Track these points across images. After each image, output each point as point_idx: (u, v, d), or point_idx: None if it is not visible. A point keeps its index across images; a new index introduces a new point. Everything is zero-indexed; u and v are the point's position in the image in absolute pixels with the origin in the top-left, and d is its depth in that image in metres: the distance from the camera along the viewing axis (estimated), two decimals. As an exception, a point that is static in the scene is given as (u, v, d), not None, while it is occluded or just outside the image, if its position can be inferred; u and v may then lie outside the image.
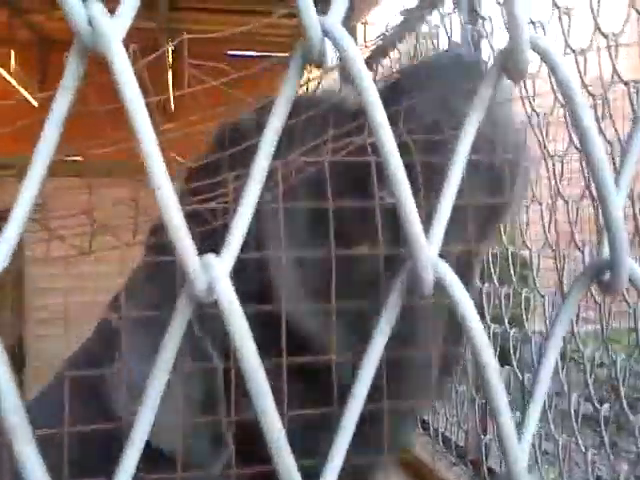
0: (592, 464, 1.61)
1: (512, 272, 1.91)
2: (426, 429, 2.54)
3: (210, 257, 0.29)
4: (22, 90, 5.05)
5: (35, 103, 5.20)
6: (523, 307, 1.94)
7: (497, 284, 1.99)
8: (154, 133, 0.30)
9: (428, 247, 0.31)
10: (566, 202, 1.62)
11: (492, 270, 1.99)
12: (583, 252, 1.57)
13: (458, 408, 2.37)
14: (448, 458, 2.40)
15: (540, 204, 1.73)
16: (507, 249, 1.90)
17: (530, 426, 0.35)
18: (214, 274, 0.29)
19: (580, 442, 1.66)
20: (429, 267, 0.30)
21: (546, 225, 1.69)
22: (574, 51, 1.51)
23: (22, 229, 0.31)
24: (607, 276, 0.34)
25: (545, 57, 0.32)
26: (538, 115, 1.70)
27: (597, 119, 1.48)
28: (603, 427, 1.61)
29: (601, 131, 1.40)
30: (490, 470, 2.12)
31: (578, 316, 1.73)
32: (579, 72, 1.52)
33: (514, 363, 1.93)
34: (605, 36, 1.47)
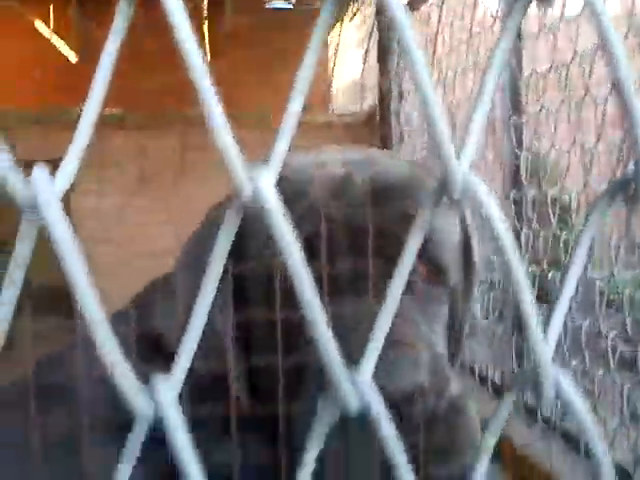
0: (627, 399, 1.64)
1: (551, 215, 1.91)
2: (462, 367, 2.62)
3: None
4: (61, 45, 5.10)
5: (74, 59, 5.26)
6: (562, 250, 1.95)
7: (537, 227, 2.00)
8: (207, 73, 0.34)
9: (458, 162, 0.34)
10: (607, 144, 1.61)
11: (531, 214, 2.00)
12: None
13: (495, 347, 2.42)
14: (485, 395, 2.47)
15: (582, 147, 1.71)
16: (546, 193, 1.89)
17: (555, 325, 0.39)
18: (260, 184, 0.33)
19: (616, 379, 1.69)
20: (459, 178, 0.34)
21: (587, 166, 1.68)
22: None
23: (71, 180, 0.34)
24: (632, 190, 0.37)
25: None
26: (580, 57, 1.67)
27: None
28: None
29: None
30: (526, 405, 2.18)
31: (617, 259, 1.73)
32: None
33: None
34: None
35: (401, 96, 3.40)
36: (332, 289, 0.67)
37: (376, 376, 0.60)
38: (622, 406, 1.72)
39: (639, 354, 1.69)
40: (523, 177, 1.99)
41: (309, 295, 0.36)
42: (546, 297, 2.11)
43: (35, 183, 0.31)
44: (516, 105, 1.99)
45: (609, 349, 1.77)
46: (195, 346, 0.38)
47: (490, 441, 0.38)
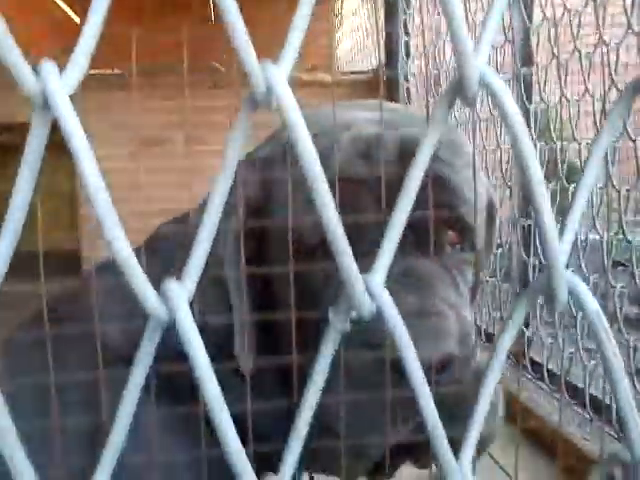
0: (633, 351, 1.65)
1: (560, 167, 1.90)
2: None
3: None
4: (64, 6, 5.03)
5: (77, 19, 5.18)
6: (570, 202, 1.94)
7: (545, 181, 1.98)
8: None
9: (475, 56, 0.34)
10: (619, 91, 1.58)
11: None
12: (635, 141, 1.54)
13: (501, 304, 2.44)
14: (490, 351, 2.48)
15: (592, 96, 1.69)
16: (555, 144, 1.87)
17: (570, 230, 0.38)
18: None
19: (624, 334, 1.70)
20: (475, 72, 0.33)
21: (597, 116, 1.66)
22: None
23: (82, 75, 0.34)
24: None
25: None
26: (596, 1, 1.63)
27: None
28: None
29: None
30: (532, 361, 2.20)
31: (623, 220, 1.71)
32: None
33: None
34: None
35: (408, 55, 3.37)
36: (359, 247, 0.66)
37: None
38: (630, 365, 1.73)
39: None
40: (532, 130, 1.96)
41: (326, 200, 0.36)
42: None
43: (44, 74, 0.31)
44: (526, 56, 1.95)
45: (617, 308, 1.77)
46: (206, 253, 0.38)
47: (507, 341, 0.38)
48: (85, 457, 0.53)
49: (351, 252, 0.37)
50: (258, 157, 0.79)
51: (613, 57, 1.61)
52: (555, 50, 1.80)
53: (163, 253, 0.74)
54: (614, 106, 0.40)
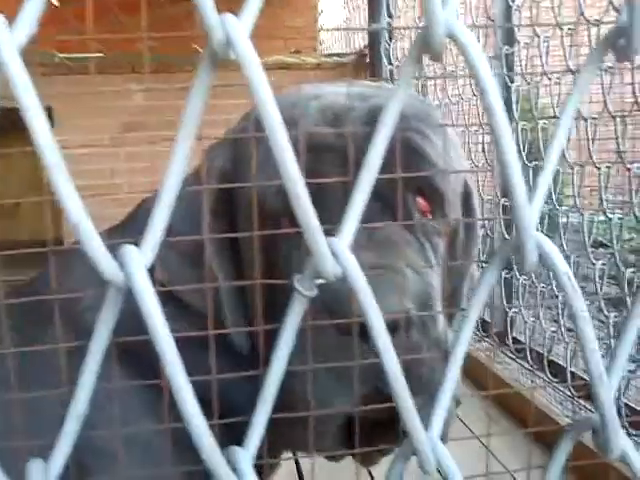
0: (613, 327, 1.67)
1: (541, 146, 1.89)
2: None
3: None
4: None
5: (56, 2, 5.08)
6: (555, 180, 1.94)
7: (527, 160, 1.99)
8: None
9: (442, 8, 0.32)
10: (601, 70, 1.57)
11: (522, 147, 1.98)
12: (615, 117, 1.54)
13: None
14: (475, 334, 2.50)
15: (574, 73, 1.68)
16: (537, 123, 1.87)
17: (539, 192, 0.37)
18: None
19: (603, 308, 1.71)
20: (441, 23, 0.32)
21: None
22: None
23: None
24: (623, 41, 0.35)
25: None
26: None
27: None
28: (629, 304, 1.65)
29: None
30: (515, 339, 2.22)
31: (606, 200, 1.72)
32: None
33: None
34: None
35: (391, 37, 3.34)
36: (326, 213, 0.65)
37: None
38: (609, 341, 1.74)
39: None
40: (514, 109, 1.96)
41: (289, 163, 0.35)
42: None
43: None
44: (508, 34, 1.94)
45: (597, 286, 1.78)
46: (166, 217, 0.36)
47: (478, 303, 0.37)
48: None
49: (316, 217, 0.36)
50: (231, 130, 0.79)
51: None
52: (537, 28, 1.79)
53: (140, 224, 0.74)
54: (584, 66, 0.39)
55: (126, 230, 0.80)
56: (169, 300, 0.64)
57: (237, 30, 0.31)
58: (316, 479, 1.53)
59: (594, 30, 1.57)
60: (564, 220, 1.93)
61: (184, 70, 3.52)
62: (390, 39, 3.34)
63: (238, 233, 0.74)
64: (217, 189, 0.70)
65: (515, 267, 2.08)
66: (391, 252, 0.65)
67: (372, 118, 0.67)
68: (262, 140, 0.59)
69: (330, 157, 0.68)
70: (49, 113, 3.53)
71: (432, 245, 0.72)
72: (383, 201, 0.65)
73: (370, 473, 1.55)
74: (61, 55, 3.72)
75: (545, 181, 0.37)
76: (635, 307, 0.40)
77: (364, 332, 0.46)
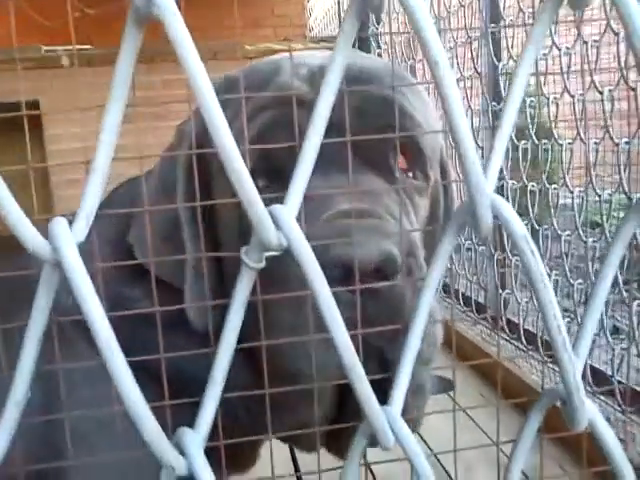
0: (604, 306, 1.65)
1: (530, 125, 1.87)
2: (446, 292, 2.62)
3: None
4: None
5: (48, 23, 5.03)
6: (543, 160, 1.92)
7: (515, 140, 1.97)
8: None
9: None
10: (585, 43, 1.55)
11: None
12: (602, 93, 1.51)
13: (478, 267, 2.43)
14: (469, 317, 2.49)
15: (559, 49, 1.66)
16: (524, 102, 1.84)
17: (496, 153, 0.36)
18: None
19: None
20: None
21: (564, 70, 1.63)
22: None
23: None
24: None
25: None
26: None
27: None
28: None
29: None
30: (509, 321, 2.20)
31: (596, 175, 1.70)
32: None
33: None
34: None
35: (379, 20, 3.30)
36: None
37: (336, 246, 0.54)
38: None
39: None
40: (502, 89, 1.93)
41: (223, 134, 0.33)
42: (526, 210, 2.10)
43: None
44: (494, 12, 1.91)
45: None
46: (99, 190, 0.34)
47: (439, 267, 0.35)
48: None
49: (255, 190, 0.33)
50: None
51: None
52: (522, 5, 1.77)
53: (115, 206, 0.73)
54: (538, 18, 0.37)
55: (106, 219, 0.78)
56: (144, 278, 0.62)
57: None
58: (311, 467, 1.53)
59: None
60: (561, 202, 1.92)
61: (169, 60, 3.48)
62: (378, 22, 3.30)
63: (211, 200, 0.71)
64: (189, 156, 0.67)
65: (507, 247, 2.07)
66: (374, 201, 0.63)
67: (348, 77, 0.66)
68: (231, 102, 0.58)
69: (304, 111, 0.66)
70: (36, 107, 3.49)
71: (413, 204, 0.71)
72: (364, 156, 0.64)
73: (370, 469, 1.55)
74: (47, 48, 3.68)
75: (502, 140, 0.35)
76: (602, 271, 0.38)
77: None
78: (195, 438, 0.36)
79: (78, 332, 0.64)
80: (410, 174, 0.72)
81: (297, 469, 1.55)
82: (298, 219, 0.34)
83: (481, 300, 2.44)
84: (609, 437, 0.37)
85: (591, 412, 0.37)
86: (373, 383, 0.38)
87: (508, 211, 0.34)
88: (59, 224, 0.32)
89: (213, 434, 0.40)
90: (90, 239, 0.36)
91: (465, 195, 0.35)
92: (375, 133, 0.58)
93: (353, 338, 0.50)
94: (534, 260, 0.33)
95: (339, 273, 0.51)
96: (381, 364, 0.53)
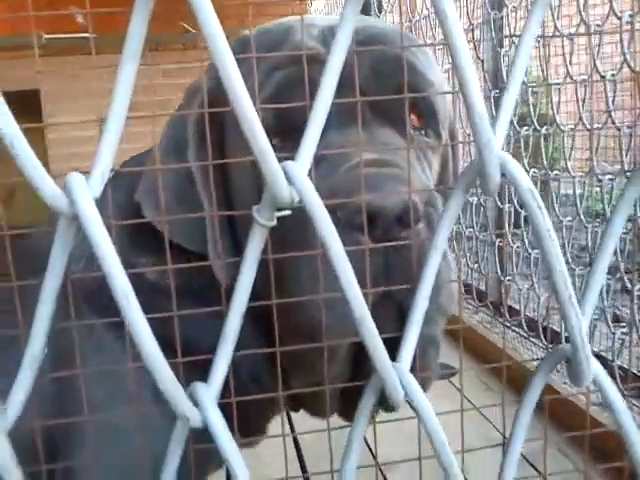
0: (606, 293, 1.66)
1: (532, 113, 1.87)
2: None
3: None
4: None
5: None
6: (543, 145, 1.93)
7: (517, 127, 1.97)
8: None
9: None
10: (587, 26, 1.55)
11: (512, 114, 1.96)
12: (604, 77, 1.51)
13: (479, 254, 2.43)
14: (471, 304, 2.50)
15: (562, 35, 1.65)
16: (527, 89, 1.84)
17: (503, 113, 0.36)
18: None
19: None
20: None
21: (567, 56, 1.63)
22: None
23: None
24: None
25: None
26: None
27: None
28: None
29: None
30: (510, 308, 2.21)
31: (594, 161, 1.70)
32: None
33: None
34: None
35: (380, 9, 3.30)
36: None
37: (359, 194, 0.54)
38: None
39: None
40: (504, 76, 1.93)
41: (239, 88, 0.33)
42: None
43: None
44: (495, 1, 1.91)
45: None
46: (113, 148, 0.35)
47: (447, 224, 0.36)
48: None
49: (269, 146, 0.34)
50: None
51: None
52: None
53: (123, 176, 0.73)
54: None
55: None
56: (150, 243, 0.62)
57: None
58: (314, 454, 1.53)
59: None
60: (562, 192, 1.92)
61: (173, 49, 3.48)
62: (379, 11, 3.30)
63: (225, 159, 0.70)
64: (201, 113, 0.67)
65: (508, 232, 2.08)
66: (393, 152, 0.65)
67: (361, 39, 0.67)
68: (244, 62, 0.59)
69: (318, 69, 0.66)
70: (36, 96, 3.49)
71: (426, 159, 0.72)
72: (379, 114, 0.66)
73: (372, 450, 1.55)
74: (48, 36, 3.67)
75: (510, 102, 0.36)
76: (608, 232, 0.39)
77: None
78: (209, 391, 0.36)
79: (88, 305, 0.64)
80: (423, 132, 0.73)
81: (304, 470, 1.55)
82: (310, 175, 0.35)
83: (482, 287, 2.45)
84: (613, 392, 0.38)
85: (596, 368, 0.37)
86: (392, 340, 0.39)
87: (515, 167, 0.34)
88: (76, 178, 0.33)
89: (225, 393, 0.40)
90: (100, 204, 0.36)
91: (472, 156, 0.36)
92: (390, 91, 0.60)
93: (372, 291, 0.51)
94: (540, 214, 0.34)
95: (361, 220, 0.50)
96: (401, 319, 0.53)
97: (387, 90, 0.61)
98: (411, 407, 0.40)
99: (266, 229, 0.37)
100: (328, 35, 0.70)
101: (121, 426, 0.59)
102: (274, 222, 0.37)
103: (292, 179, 0.34)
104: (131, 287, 0.32)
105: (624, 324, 1.86)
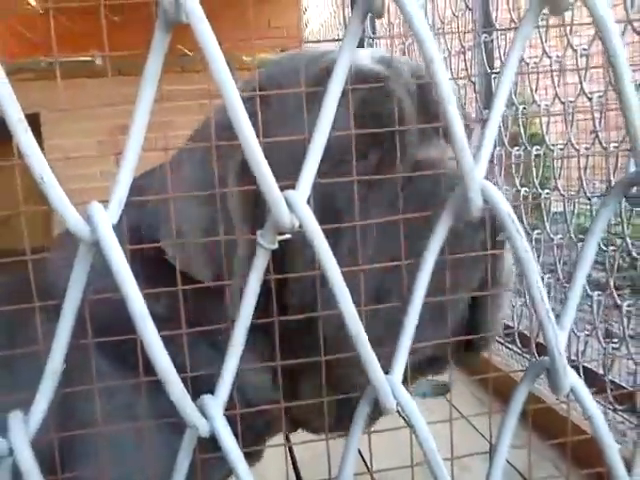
0: (597, 307, 1.69)
1: (522, 132, 1.92)
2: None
3: None
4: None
5: (40, 10, 5.08)
6: (534, 165, 1.97)
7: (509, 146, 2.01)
8: None
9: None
10: (575, 50, 1.60)
11: (504, 133, 2.01)
12: (591, 99, 1.56)
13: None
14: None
15: (550, 57, 1.71)
16: (517, 108, 1.89)
17: (486, 143, 0.40)
18: None
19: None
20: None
21: (555, 77, 1.68)
22: None
23: None
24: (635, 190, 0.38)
25: None
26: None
27: None
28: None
29: None
30: (504, 325, 2.24)
31: (583, 180, 1.74)
32: None
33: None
34: None
35: (374, 32, 3.36)
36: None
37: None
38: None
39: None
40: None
41: (245, 127, 0.36)
42: (519, 218, 2.14)
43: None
44: (486, 22, 1.97)
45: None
46: (130, 175, 0.38)
47: (434, 248, 0.39)
48: None
49: (272, 175, 0.37)
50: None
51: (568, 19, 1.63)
52: (514, 15, 1.82)
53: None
54: (523, 22, 0.41)
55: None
56: (162, 270, 0.64)
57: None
58: (310, 468, 1.55)
59: (568, 15, 1.60)
60: (553, 209, 1.96)
61: (171, 71, 3.53)
62: (374, 33, 3.36)
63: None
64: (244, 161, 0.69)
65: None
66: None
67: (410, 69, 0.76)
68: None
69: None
70: (36, 120, 3.53)
71: None
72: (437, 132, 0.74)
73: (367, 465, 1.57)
74: (48, 60, 3.72)
75: (492, 130, 0.40)
76: (584, 250, 0.42)
77: None
78: (216, 402, 0.39)
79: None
80: None
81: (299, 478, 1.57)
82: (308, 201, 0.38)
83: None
84: (589, 401, 0.41)
85: (573, 378, 0.41)
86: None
87: (495, 194, 0.38)
88: (96, 207, 0.36)
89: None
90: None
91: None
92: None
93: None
94: (519, 237, 0.37)
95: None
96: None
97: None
98: (403, 419, 0.43)
99: (269, 252, 0.40)
100: (387, 60, 0.76)
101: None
102: (276, 245, 0.40)
103: (293, 207, 0.37)
104: (146, 309, 0.36)
105: (616, 340, 1.90)
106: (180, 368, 0.43)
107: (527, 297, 2.08)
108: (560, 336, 0.40)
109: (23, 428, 0.38)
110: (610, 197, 0.41)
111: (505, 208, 0.37)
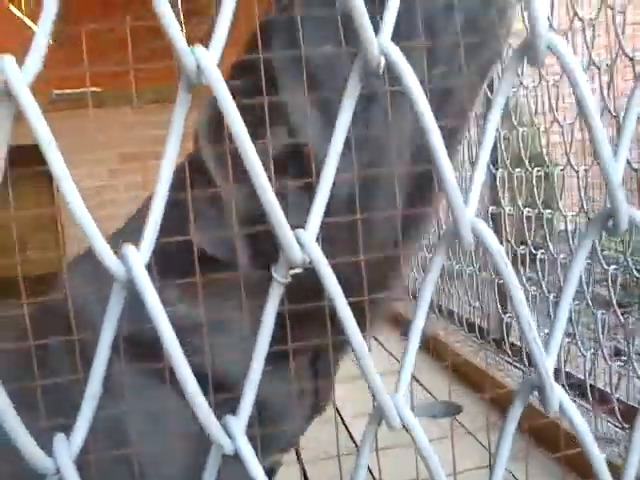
0: (602, 325, 1.72)
1: (523, 154, 1.97)
2: (451, 316, 2.70)
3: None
4: (34, 27, 5.04)
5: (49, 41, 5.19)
6: (536, 184, 2.02)
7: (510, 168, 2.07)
8: None
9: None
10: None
11: (505, 155, 2.06)
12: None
13: (479, 293, 2.50)
14: (474, 341, 2.56)
15: (547, 82, 1.76)
16: (517, 130, 1.95)
17: (475, 183, 0.44)
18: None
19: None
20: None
21: (553, 100, 1.73)
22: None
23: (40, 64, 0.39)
24: (530, 52, 0.42)
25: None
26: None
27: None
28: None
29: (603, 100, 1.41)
30: (512, 345, 2.26)
31: (584, 201, 1.78)
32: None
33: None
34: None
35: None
36: None
37: None
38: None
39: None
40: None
41: (259, 173, 0.41)
42: (521, 239, 2.19)
43: (5, 69, 0.36)
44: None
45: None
46: (158, 217, 0.43)
47: (429, 287, 0.43)
48: None
49: (282, 213, 0.42)
50: None
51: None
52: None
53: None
54: (504, 72, 0.45)
55: (126, 230, 0.87)
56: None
57: (207, 59, 0.38)
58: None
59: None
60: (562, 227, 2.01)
61: (172, 101, 3.62)
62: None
63: None
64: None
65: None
66: None
67: None
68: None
69: None
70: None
71: None
72: None
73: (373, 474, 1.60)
74: (58, 92, 3.83)
75: (480, 171, 0.44)
76: (569, 273, 0.46)
77: None
78: (238, 423, 0.44)
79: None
80: None
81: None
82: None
83: (484, 325, 2.51)
84: (577, 418, 0.45)
85: (560, 395, 0.45)
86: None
87: (485, 231, 0.42)
88: (130, 249, 0.41)
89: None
90: None
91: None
92: None
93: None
94: (507, 272, 0.42)
95: None
96: None
97: None
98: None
99: (282, 285, 0.45)
100: None
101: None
102: (289, 279, 0.45)
103: (304, 245, 0.42)
104: (178, 343, 0.40)
105: (625, 358, 1.92)
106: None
107: (534, 315, 2.11)
108: (547, 361, 0.44)
109: (66, 447, 0.42)
110: (588, 233, 0.45)
111: (494, 245, 0.41)
